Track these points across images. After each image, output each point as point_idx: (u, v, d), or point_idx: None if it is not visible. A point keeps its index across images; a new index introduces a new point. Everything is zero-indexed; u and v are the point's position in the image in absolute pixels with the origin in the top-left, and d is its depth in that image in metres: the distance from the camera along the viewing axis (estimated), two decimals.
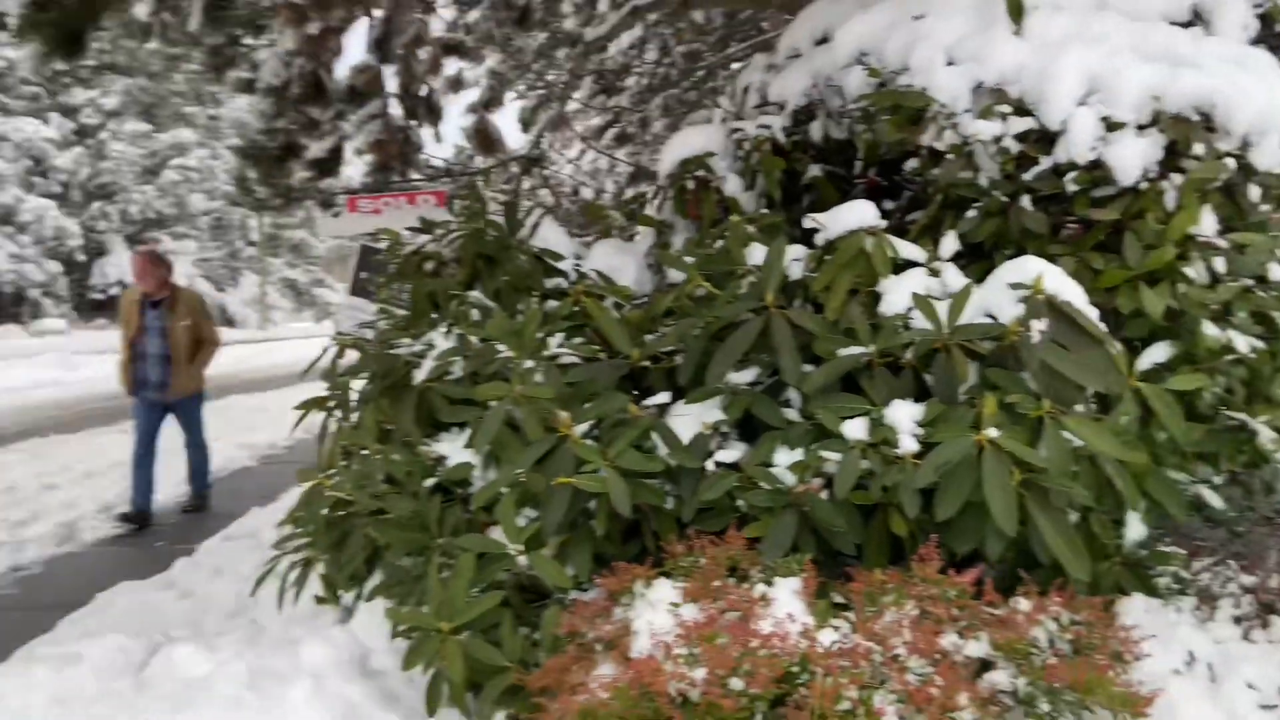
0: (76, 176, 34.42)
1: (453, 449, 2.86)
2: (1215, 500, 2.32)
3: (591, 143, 10.66)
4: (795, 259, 2.52)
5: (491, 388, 2.59)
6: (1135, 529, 2.25)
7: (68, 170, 33.92)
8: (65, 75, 35.89)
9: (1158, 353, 2.31)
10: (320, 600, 3.10)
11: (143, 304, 6.18)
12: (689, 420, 2.48)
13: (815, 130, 3.11)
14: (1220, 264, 2.34)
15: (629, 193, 10.07)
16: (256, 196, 8.40)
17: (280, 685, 2.06)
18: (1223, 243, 2.33)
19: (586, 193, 11.45)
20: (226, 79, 7.38)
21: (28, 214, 30.60)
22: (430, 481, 2.79)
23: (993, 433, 2.02)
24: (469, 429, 2.85)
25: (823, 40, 3.31)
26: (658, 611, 1.98)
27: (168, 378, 6.15)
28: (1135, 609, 2.14)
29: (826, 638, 1.73)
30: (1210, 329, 2.29)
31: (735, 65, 9.45)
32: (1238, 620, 2.09)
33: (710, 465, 2.38)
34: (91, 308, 35.71)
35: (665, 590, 2.05)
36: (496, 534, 2.51)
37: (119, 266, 35.25)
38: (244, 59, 7.16)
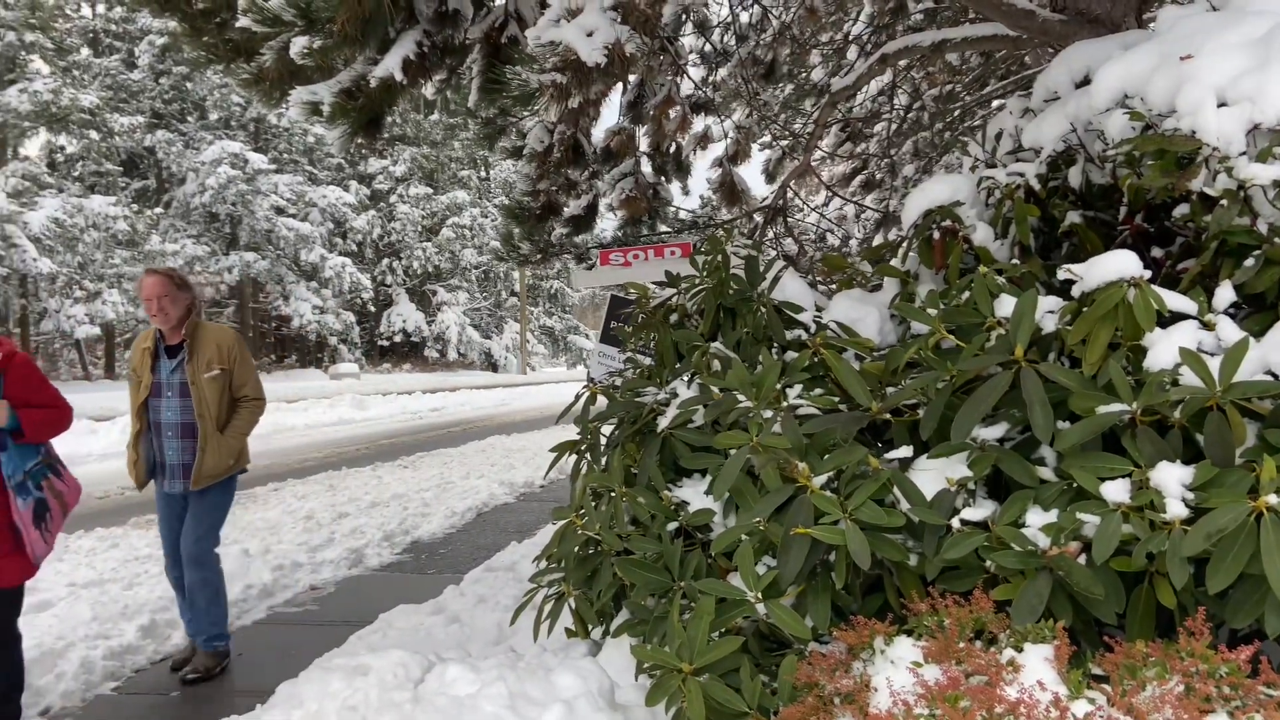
0: (370, 236, 38.67)
1: (694, 494, 2.97)
2: None
3: (837, 190, 10.63)
4: (1049, 311, 2.42)
5: (730, 436, 2.67)
6: None
7: (363, 231, 38.19)
8: (363, 147, 40.50)
9: None
10: (571, 633, 3.29)
11: (156, 351, 4.34)
12: (932, 475, 2.44)
13: (1074, 176, 2.98)
14: None
15: (876, 240, 9.93)
16: (520, 252, 9.10)
17: (536, 708, 2.22)
18: None
19: (833, 240, 11.40)
20: (497, 148, 8.11)
21: (329, 271, 34.71)
22: (673, 525, 2.91)
23: (1273, 499, 1.84)
24: (710, 476, 2.95)
25: (1083, 83, 3.17)
26: (898, 669, 1.96)
27: (191, 456, 4.26)
28: None
29: (1079, 709, 1.64)
30: None
31: (995, 103, 9.12)
32: None
33: (956, 523, 2.32)
34: (379, 353, 39.81)
35: (906, 648, 2.02)
36: (736, 580, 2.57)
37: (403, 316, 39.12)
38: (513, 128, 7.84)
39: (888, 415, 2.63)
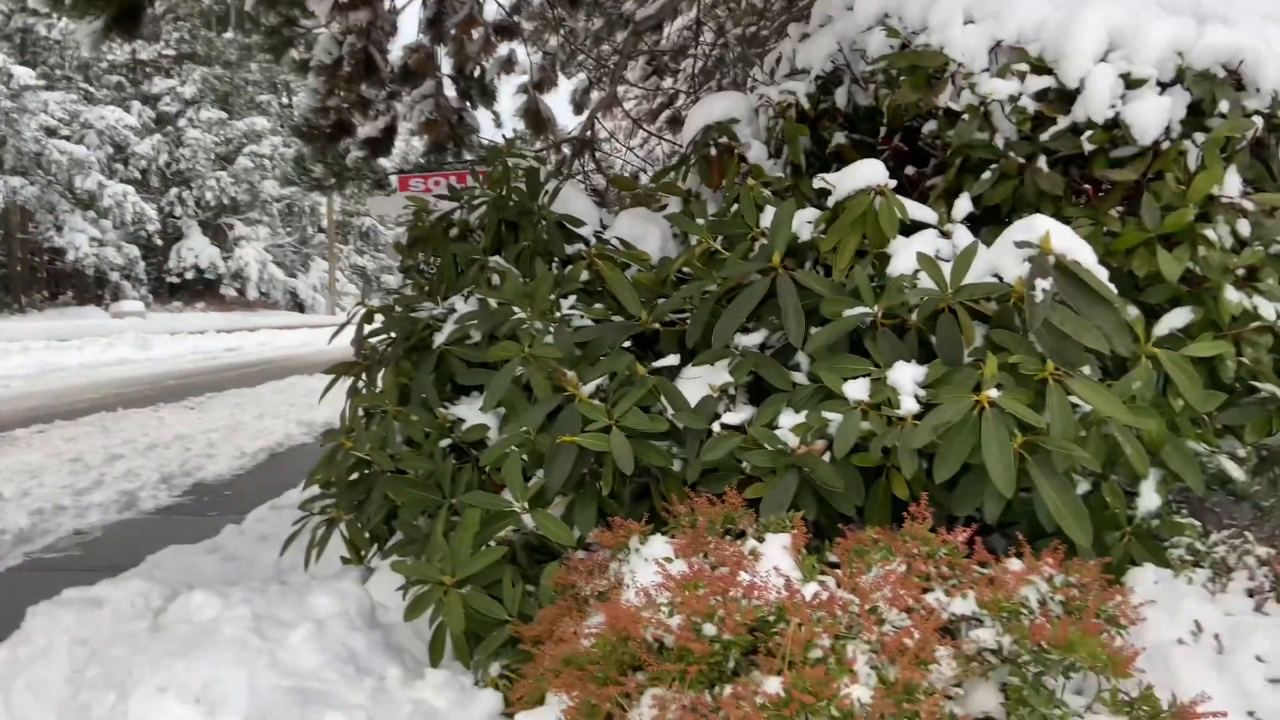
0: (155, 163, 35.58)
1: (470, 412, 2.90)
2: (1237, 473, 2.24)
3: (643, 124, 10.65)
4: (807, 221, 2.49)
5: (503, 348, 2.62)
6: (1149, 499, 2.18)
7: (147, 157, 35.08)
8: (146, 64, 37.07)
9: (1176, 318, 2.23)
10: (345, 560, 3.17)
11: None
12: (697, 383, 2.48)
13: (840, 96, 3.06)
14: (1245, 227, 2.24)
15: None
16: (313, 176, 8.59)
17: (282, 629, 2.12)
18: (1249, 205, 2.24)
19: (645, 181, 11.45)
20: (284, 60, 7.56)
21: (109, 199, 31.73)
22: (446, 442, 2.83)
23: (994, 394, 1.98)
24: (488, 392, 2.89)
25: (851, 6, 3.26)
26: (650, 566, 1.99)
27: None
28: (1145, 579, 2.08)
29: (809, 591, 1.71)
30: (1233, 295, 2.20)
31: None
32: (1251, 593, 2.01)
33: (716, 427, 2.37)
34: (169, 291, 36.96)
35: (659, 546, 2.05)
36: (508, 495, 2.54)
37: (195, 250, 36.41)
38: (301, 39, 7.32)
39: (658, 325, 2.65)
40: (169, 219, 36.21)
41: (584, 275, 2.85)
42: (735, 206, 2.73)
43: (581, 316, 2.72)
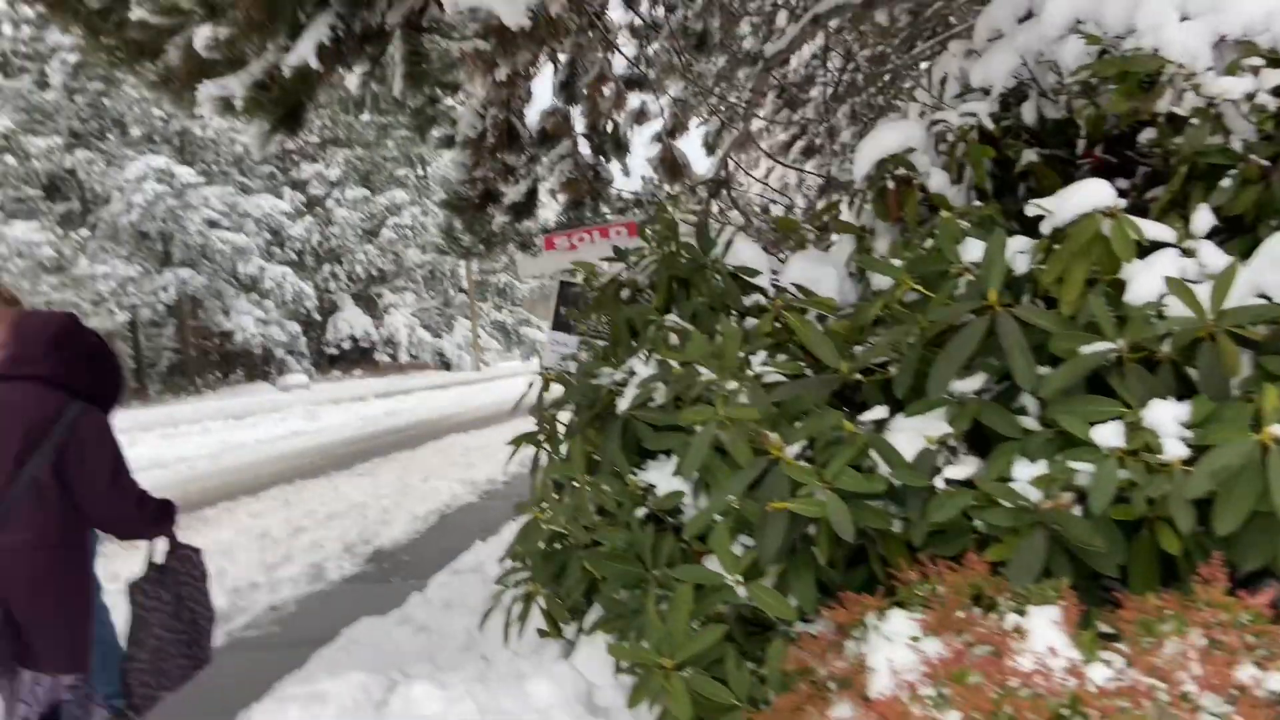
0: (308, 243, 37.83)
1: (662, 477, 2.81)
2: None
3: (779, 158, 10.52)
4: (1019, 251, 2.29)
5: (695, 412, 2.51)
6: None
7: (301, 238, 37.35)
8: (294, 153, 39.62)
9: None
10: (543, 634, 3.12)
11: None
12: (910, 435, 2.30)
13: (1027, 112, 2.85)
14: None
15: (820, 204, 9.85)
16: (463, 244, 8.83)
17: None
18: None
19: (777, 210, 11.30)
20: (429, 138, 7.84)
21: (269, 281, 33.91)
22: (641, 512, 2.74)
23: (1277, 430, 1.73)
24: (676, 456, 2.79)
25: (1025, 18, 3.05)
26: (895, 646, 1.81)
27: None
28: None
29: (1098, 674, 1.51)
30: None
31: (924, 65, 9.06)
32: None
33: (939, 483, 2.19)
34: (328, 361, 39.04)
35: (901, 622, 1.88)
36: (713, 564, 2.42)
37: (349, 321, 38.39)
38: (444, 117, 7.58)
39: (859, 376, 2.49)
40: (324, 294, 38.37)
41: (770, 328, 2.73)
42: (930, 241, 2.55)
43: (774, 372, 2.59)
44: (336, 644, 4.53)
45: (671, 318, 3.07)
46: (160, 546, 2.99)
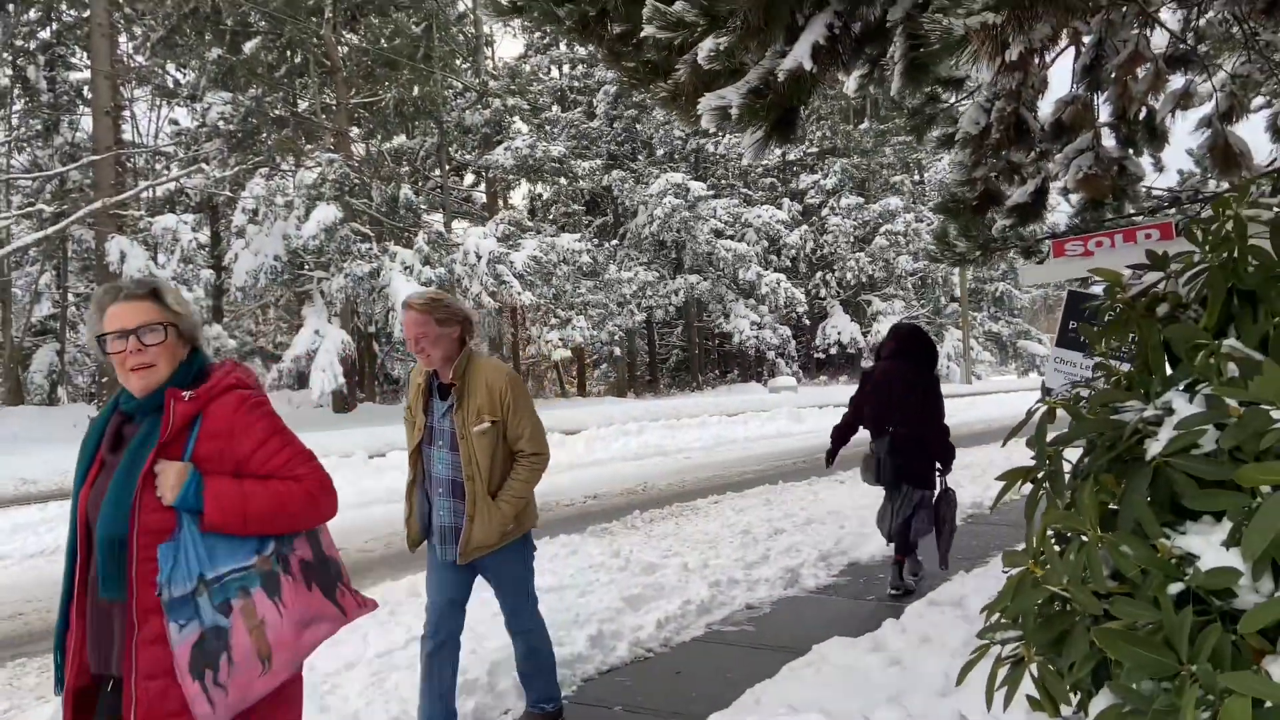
0: (802, 251, 39.32)
1: (1206, 545, 2.21)
2: None
3: None
4: None
5: (1264, 469, 1.92)
6: None
7: (795, 246, 38.95)
8: (794, 164, 41.46)
9: None
10: (1035, 704, 2.68)
11: (429, 389, 3.64)
12: None
13: None
14: None
15: None
16: (957, 250, 8.32)
17: None
18: None
19: None
20: (926, 139, 7.49)
21: (765, 287, 35.88)
22: (1175, 587, 2.19)
23: None
24: (1229, 521, 2.19)
25: None
26: None
27: (460, 519, 3.56)
28: None
29: None
30: None
31: None
32: None
33: None
34: (815, 366, 40.25)
35: None
36: (1278, 671, 1.83)
37: (837, 328, 39.17)
38: (944, 116, 7.18)
39: None
40: (814, 300, 39.62)
41: None
42: None
43: None
44: (806, 658, 4.44)
45: (1230, 342, 2.42)
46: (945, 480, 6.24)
